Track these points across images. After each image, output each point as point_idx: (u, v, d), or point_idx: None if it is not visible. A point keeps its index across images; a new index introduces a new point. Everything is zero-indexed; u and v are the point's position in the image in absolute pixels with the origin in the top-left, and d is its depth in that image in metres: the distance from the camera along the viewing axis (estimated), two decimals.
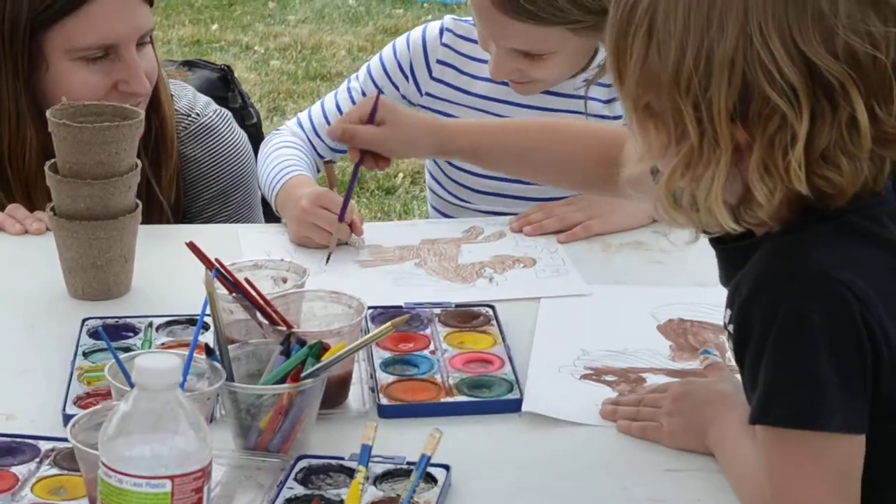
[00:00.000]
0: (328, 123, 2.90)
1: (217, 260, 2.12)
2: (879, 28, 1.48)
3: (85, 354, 2.23)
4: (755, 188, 1.50)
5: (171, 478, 1.53)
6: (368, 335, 2.11)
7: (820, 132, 1.47)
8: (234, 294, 2.11)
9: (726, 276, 1.76)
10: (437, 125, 1.84)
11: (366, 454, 1.75)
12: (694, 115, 1.49)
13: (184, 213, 3.04)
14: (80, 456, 1.77)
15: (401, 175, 5.77)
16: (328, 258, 2.60)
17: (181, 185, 2.95)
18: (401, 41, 2.96)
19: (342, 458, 1.91)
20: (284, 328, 2.08)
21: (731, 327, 1.71)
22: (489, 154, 1.86)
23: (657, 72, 1.52)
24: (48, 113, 2.44)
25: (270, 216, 3.16)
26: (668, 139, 1.58)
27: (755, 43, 1.45)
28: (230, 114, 3.09)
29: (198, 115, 2.95)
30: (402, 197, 5.87)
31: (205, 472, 1.57)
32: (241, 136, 3.08)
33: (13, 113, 2.70)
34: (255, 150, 3.17)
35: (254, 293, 2.11)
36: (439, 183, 2.95)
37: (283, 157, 2.82)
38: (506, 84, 2.90)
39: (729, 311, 1.72)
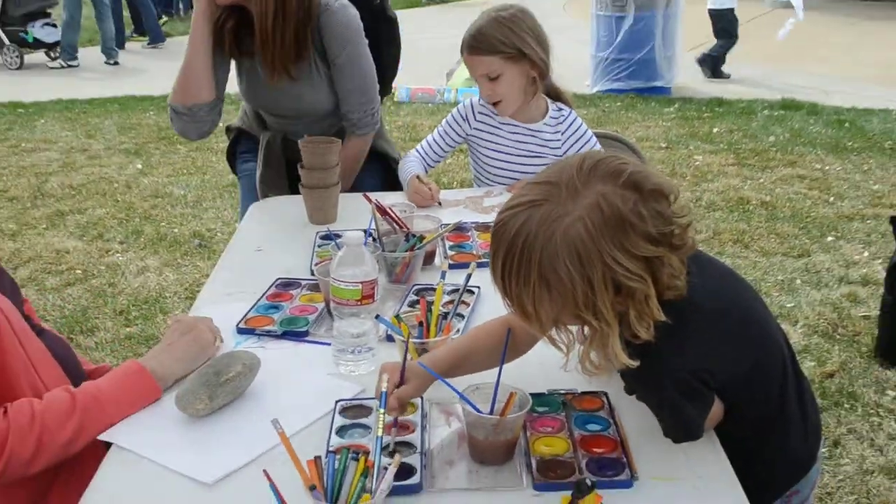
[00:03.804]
0: (431, 148, 2.71)
1: (377, 201, 2.15)
2: (665, 207, 1.27)
3: (319, 246, 2.25)
4: (639, 331, 1.27)
5: (361, 282, 1.61)
6: (441, 231, 2.17)
7: (659, 282, 1.26)
8: (384, 216, 2.14)
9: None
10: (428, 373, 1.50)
11: (442, 276, 1.79)
12: (593, 316, 1.25)
13: (329, 62, 2.67)
14: (320, 282, 1.88)
15: (455, 182, 5.72)
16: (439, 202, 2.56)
17: (323, 39, 2.63)
18: (459, 107, 2.69)
19: (433, 284, 1.93)
20: (405, 230, 2.14)
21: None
22: (458, 370, 1.54)
23: (562, 304, 1.26)
24: None
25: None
26: (577, 334, 1.38)
27: (611, 264, 1.21)
28: (350, 5, 2.65)
29: (328, 4, 2.58)
30: None
31: (374, 282, 1.64)
32: (355, 15, 2.65)
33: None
34: (387, 30, 2.95)
35: (392, 214, 2.15)
36: (477, 175, 2.79)
37: (409, 166, 2.65)
38: (502, 127, 2.64)
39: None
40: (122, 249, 4.81)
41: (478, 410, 1.39)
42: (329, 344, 1.74)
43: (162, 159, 6.47)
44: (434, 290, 1.90)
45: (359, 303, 1.64)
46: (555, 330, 1.37)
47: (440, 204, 2.56)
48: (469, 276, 1.80)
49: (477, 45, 2.49)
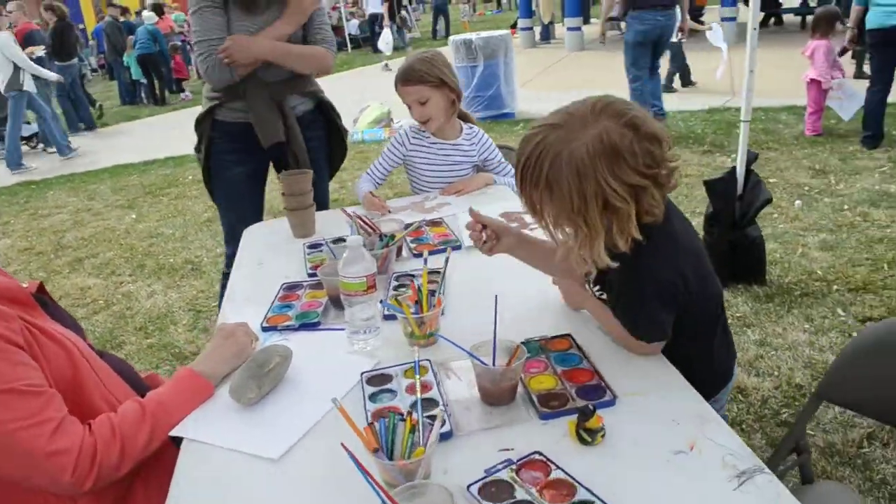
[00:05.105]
0: (377, 169, 2.47)
1: (354, 212, 2.03)
2: (657, 150, 1.16)
3: (308, 254, 2.02)
4: (618, 242, 1.17)
5: (365, 276, 1.45)
6: (404, 232, 1.98)
7: (640, 207, 1.17)
8: (359, 223, 1.96)
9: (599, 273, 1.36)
10: (518, 241, 1.53)
11: (425, 262, 1.59)
12: (584, 222, 1.16)
13: None
14: (324, 281, 1.71)
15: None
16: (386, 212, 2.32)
17: None
18: (396, 135, 2.48)
19: (407, 271, 1.80)
20: (378, 232, 1.94)
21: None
22: (522, 251, 1.55)
23: (559, 208, 1.17)
24: None
25: None
26: (572, 236, 1.22)
27: (603, 184, 1.13)
28: None
29: None
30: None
31: (374, 276, 1.47)
32: None
33: None
34: None
35: (367, 222, 1.96)
36: (413, 183, 2.55)
37: (362, 186, 2.42)
38: (432, 146, 2.43)
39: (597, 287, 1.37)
40: (132, 280, 4.40)
41: (484, 363, 1.22)
42: (340, 329, 1.55)
43: (150, 209, 5.98)
44: (410, 276, 1.77)
45: (365, 292, 1.46)
46: (557, 232, 1.24)
47: (390, 211, 2.35)
48: (448, 260, 1.64)
49: (408, 77, 2.33)
